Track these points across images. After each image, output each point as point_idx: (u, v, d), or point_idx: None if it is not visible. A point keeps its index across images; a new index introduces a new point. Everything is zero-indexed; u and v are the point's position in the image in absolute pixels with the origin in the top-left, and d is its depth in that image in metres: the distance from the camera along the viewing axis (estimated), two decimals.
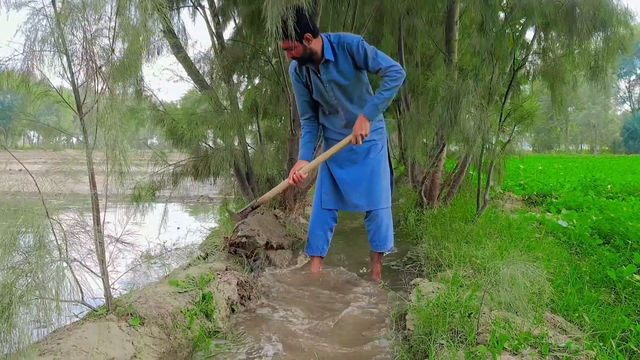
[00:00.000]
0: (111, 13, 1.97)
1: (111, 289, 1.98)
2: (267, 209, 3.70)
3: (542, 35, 4.05)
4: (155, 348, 1.86)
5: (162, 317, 1.99)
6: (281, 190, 2.93)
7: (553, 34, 3.97)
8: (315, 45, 2.60)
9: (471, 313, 1.81)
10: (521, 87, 4.83)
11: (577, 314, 2.04)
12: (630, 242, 3.37)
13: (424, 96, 5.37)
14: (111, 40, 2.00)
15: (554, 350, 1.57)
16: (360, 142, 2.64)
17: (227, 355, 1.91)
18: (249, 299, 2.51)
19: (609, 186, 7.75)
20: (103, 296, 1.97)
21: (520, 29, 4.04)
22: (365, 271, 3.17)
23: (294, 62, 2.76)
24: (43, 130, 2.22)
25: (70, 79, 1.92)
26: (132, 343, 1.81)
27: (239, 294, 2.47)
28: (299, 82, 2.81)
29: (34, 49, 1.85)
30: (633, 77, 56.92)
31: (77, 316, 1.96)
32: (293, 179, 2.69)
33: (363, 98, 2.80)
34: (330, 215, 3.01)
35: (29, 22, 1.85)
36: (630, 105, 58.12)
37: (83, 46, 1.94)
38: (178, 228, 4.83)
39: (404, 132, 6.83)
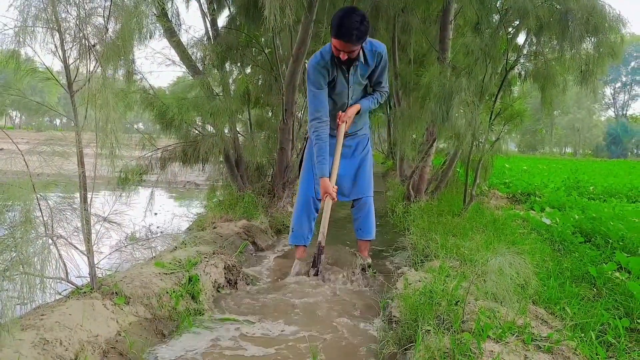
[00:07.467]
0: None
1: (96, 268, 1.96)
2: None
3: (534, 39, 4.09)
4: (140, 327, 1.85)
5: (147, 297, 1.98)
6: (329, 214, 2.74)
7: (544, 38, 4.01)
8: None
9: (457, 302, 1.83)
10: (512, 88, 4.89)
11: (558, 307, 2.08)
12: (610, 241, 3.45)
13: (416, 92, 5.39)
14: (105, 20, 1.96)
15: (536, 339, 1.60)
16: (343, 120, 2.76)
17: (210, 334, 1.91)
18: (236, 282, 2.51)
19: (591, 188, 7.91)
20: (87, 274, 1.95)
21: (513, 31, 4.08)
22: (353, 253, 3.16)
23: (319, 57, 2.64)
24: (27, 109, 2.16)
25: (61, 57, 1.88)
26: (117, 321, 1.79)
27: (226, 278, 2.47)
28: (325, 77, 2.68)
29: (27, 24, 1.80)
30: (618, 84, 58.01)
31: (60, 294, 1.94)
32: (333, 198, 2.67)
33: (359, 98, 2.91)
34: (315, 206, 3.02)
35: None
36: (614, 112, 59.25)
37: (76, 24, 1.90)
38: (156, 214, 4.80)
39: (394, 127, 6.86)
